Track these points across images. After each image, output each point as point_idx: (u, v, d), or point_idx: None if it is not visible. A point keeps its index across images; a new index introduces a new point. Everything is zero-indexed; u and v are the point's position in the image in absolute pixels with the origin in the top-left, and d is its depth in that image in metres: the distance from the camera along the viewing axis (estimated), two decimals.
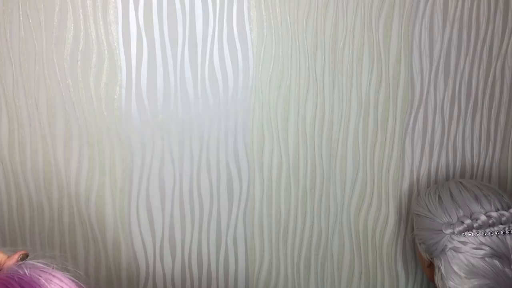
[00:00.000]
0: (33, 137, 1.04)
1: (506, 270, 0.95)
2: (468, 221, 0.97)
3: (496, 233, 0.96)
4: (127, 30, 1.02)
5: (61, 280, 0.59)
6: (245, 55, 1.10)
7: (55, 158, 1.06)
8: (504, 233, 0.97)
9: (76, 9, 1.00)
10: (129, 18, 1.02)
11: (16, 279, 0.56)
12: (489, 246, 0.96)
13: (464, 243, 0.97)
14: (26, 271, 0.58)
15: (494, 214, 0.97)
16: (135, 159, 1.09)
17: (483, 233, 0.97)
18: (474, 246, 0.96)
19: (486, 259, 0.95)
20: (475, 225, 0.96)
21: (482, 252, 0.95)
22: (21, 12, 0.98)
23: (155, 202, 1.13)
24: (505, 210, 0.98)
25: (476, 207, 0.99)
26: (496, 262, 0.95)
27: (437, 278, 1.01)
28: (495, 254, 0.95)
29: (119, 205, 1.11)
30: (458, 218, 0.99)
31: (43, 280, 0.57)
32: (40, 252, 1.09)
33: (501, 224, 0.97)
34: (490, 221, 0.96)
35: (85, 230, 1.11)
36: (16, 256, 0.61)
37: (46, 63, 1.01)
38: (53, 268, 0.59)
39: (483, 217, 0.96)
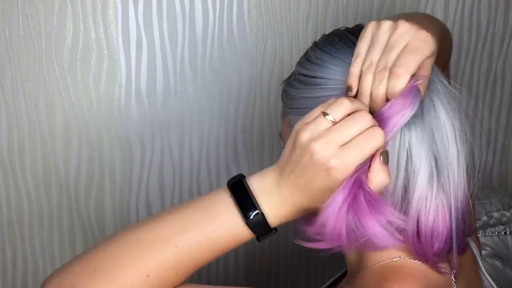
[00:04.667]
0: (32, 136, 1.04)
1: (507, 270, 0.95)
2: None
3: (496, 233, 0.96)
4: (127, 30, 1.02)
5: None
6: (245, 55, 1.09)
7: (54, 158, 1.05)
8: (505, 233, 0.96)
9: (76, 9, 0.99)
10: (129, 18, 1.02)
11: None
12: (490, 247, 0.95)
13: None
14: None
15: (495, 214, 0.96)
16: (135, 159, 1.09)
17: (484, 233, 0.96)
18: None
19: (487, 259, 0.95)
20: (476, 225, 0.96)
21: (483, 252, 0.95)
22: (20, 12, 0.98)
23: (155, 202, 1.12)
24: (506, 211, 0.98)
25: (477, 208, 0.98)
26: (497, 262, 0.95)
27: None
28: (496, 254, 0.95)
29: (119, 205, 1.11)
30: None
31: None
32: None
33: (502, 224, 0.96)
34: (491, 222, 0.96)
35: (85, 230, 1.10)
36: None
37: (45, 62, 1.01)
38: None
39: (484, 218, 0.96)
